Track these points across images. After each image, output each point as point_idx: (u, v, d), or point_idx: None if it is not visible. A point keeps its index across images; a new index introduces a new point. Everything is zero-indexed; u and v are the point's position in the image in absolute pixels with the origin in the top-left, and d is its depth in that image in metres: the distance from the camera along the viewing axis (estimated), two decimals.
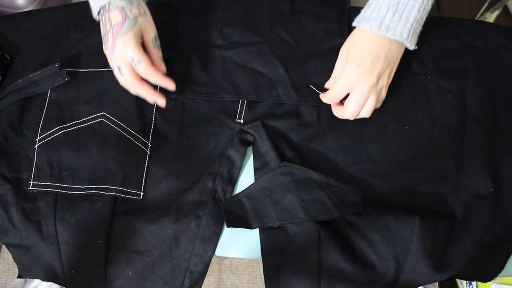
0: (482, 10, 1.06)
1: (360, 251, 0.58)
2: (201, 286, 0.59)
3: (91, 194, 0.60)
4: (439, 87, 0.65)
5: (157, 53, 0.60)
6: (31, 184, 0.60)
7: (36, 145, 0.62)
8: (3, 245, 1.24)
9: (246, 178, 0.63)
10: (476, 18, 1.07)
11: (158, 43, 0.60)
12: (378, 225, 0.57)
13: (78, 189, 0.60)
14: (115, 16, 0.56)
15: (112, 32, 0.56)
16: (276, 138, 0.63)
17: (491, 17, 1.02)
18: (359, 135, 0.63)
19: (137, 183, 0.61)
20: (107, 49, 0.58)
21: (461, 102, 0.64)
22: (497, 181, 0.60)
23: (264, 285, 0.59)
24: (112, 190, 0.60)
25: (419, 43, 0.59)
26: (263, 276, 0.58)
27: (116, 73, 0.58)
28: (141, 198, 0.61)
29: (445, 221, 0.58)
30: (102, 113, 0.63)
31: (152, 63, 0.58)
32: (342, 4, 0.68)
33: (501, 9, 1.01)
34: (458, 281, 0.86)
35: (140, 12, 0.57)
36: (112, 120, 0.62)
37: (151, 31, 0.59)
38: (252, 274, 1.29)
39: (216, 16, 0.68)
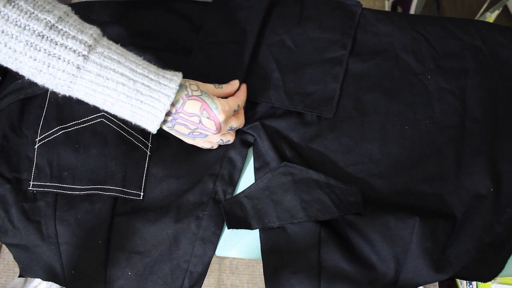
0: (482, 10, 1.06)
1: (360, 251, 0.58)
2: (201, 287, 0.59)
3: (91, 194, 0.60)
4: (439, 87, 0.65)
5: (226, 89, 0.60)
6: (31, 184, 0.60)
7: (36, 145, 0.62)
8: (3, 245, 1.24)
9: (246, 179, 0.63)
10: (476, 18, 1.07)
11: (217, 84, 0.60)
12: (378, 225, 0.57)
13: (78, 189, 0.60)
14: (192, 105, 0.54)
15: (208, 117, 0.55)
16: (276, 138, 0.63)
17: (491, 17, 1.02)
18: (359, 135, 0.63)
19: (137, 184, 0.61)
20: (211, 135, 0.58)
21: (461, 102, 0.64)
22: (497, 181, 0.60)
23: (264, 285, 0.59)
24: (112, 190, 0.60)
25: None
26: (263, 276, 0.58)
27: (228, 136, 0.61)
28: (141, 198, 0.61)
29: (445, 221, 0.58)
30: (102, 113, 0.63)
31: (234, 91, 0.61)
32: (351, 16, 0.68)
33: (501, 9, 1.00)
34: (458, 281, 0.86)
35: (195, 82, 0.56)
36: (112, 120, 0.62)
37: (209, 85, 0.59)
38: (252, 274, 1.30)
39: (240, 13, 0.68)
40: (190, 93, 0.54)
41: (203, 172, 0.62)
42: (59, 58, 0.47)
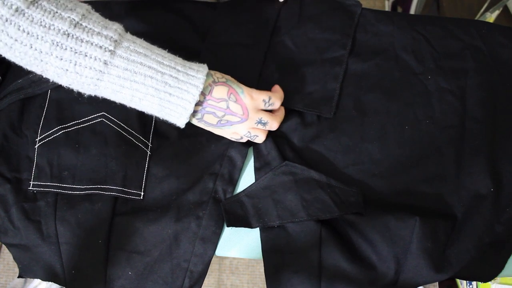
0: (482, 10, 1.06)
1: (360, 251, 0.58)
2: (201, 286, 0.59)
3: (91, 194, 0.60)
4: (439, 87, 0.65)
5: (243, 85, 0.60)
6: (31, 184, 0.60)
7: (36, 145, 0.62)
8: (3, 245, 1.25)
9: (246, 179, 0.63)
10: (476, 18, 1.07)
11: (236, 80, 0.60)
12: (378, 225, 0.57)
13: (78, 189, 0.60)
14: (219, 90, 0.54)
15: (235, 101, 0.55)
16: (277, 138, 0.63)
17: (491, 17, 1.02)
18: (359, 135, 0.63)
19: (138, 183, 0.61)
20: (239, 122, 0.57)
21: (461, 102, 0.64)
22: (497, 181, 0.60)
23: (264, 285, 0.59)
24: (112, 190, 0.60)
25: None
26: (263, 276, 0.58)
27: (257, 132, 0.58)
28: (141, 198, 0.61)
29: (445, 221, 0.58)
30: (102, 113, 0.63)
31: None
32: (351, 16, 0.68)
33: (501, 9, 1.01)
34: (458, 281, 0.86)
35: (218, 72, 0.56)
36: (112, 120, 0.62)
37: (230, 76, 0.59)
38: (252, 274, 1.30)
39: (250, 15, 0.68)
40: (216, 80, 0.55)
41: (203, 171, 0.62)
42: (86, 55, 0.47)
